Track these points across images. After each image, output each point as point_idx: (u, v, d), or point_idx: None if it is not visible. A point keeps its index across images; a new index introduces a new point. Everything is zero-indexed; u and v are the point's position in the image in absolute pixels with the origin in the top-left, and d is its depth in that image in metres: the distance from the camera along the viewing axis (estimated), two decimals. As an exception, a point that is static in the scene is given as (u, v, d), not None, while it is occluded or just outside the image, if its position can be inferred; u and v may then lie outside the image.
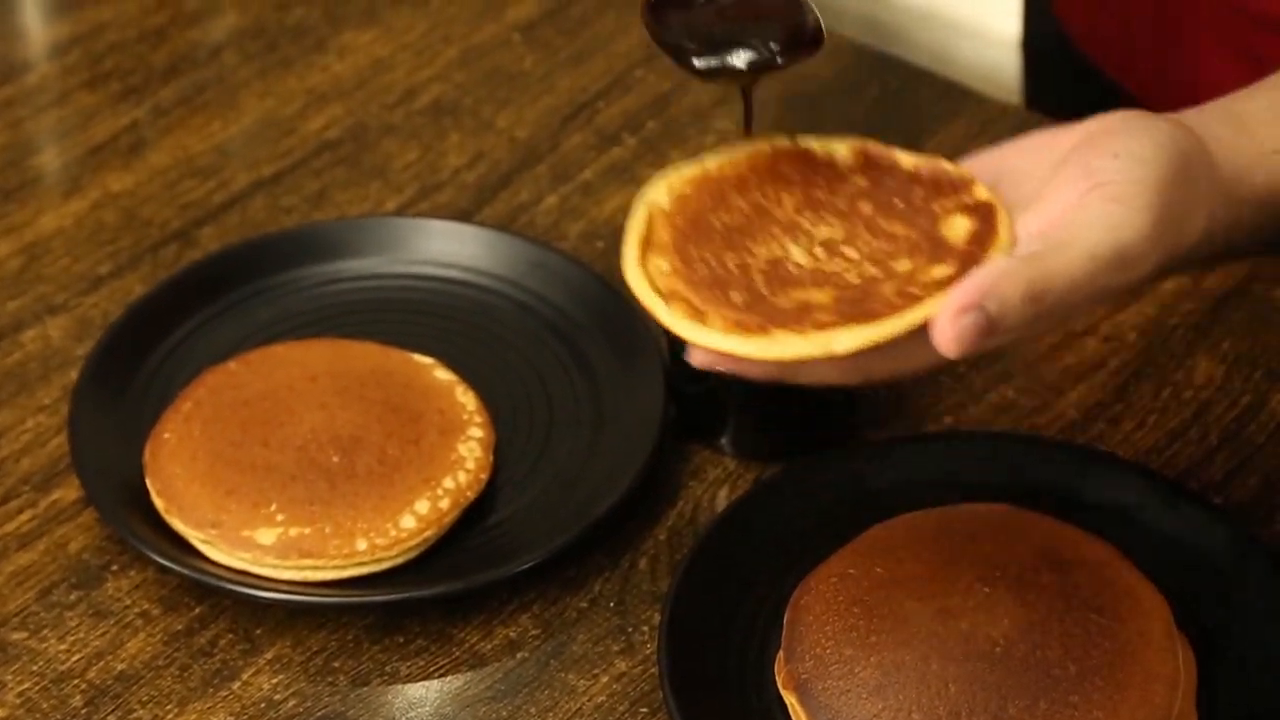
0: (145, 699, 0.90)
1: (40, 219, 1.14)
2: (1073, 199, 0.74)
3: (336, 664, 0.91)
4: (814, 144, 0.82)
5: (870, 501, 0.94)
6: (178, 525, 0.93)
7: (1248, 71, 0.89)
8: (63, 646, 0.92)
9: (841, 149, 0.82)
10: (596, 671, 0.91)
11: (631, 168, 1.17)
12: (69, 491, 0.98)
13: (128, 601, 0.94)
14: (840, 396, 1.00)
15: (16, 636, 0.92)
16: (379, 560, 0.92)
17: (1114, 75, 1.19)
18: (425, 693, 0.90)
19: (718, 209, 0.80)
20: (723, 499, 0.98)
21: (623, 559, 0.95)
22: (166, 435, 0.96)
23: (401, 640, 0.92)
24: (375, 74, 1.25)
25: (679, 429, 1.00)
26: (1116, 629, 0.85)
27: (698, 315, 0.75)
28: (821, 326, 0.73)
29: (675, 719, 0.85)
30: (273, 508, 0.93)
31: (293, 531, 0.92)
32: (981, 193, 0.78)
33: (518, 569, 0.92)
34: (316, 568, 0.92)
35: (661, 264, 0.78)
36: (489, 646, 0.92)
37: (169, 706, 0.90)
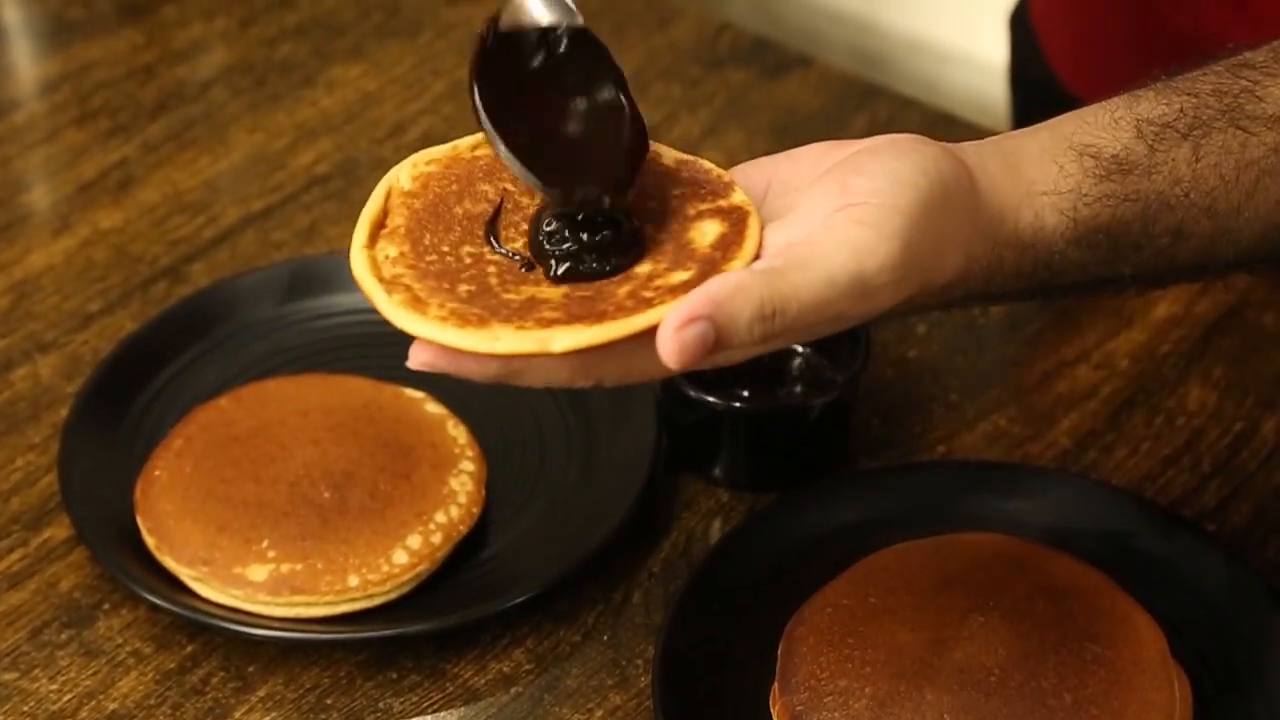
0: (138, 738, 0.90)
1: (30, 257, 1.14)
2: (821, 217, 0.71)
3: (329, 701, 0.91)
4: None
5: (863, 531, 0.94)
6: (169, 563, 0.93)
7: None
8: (54, 686, 0.91)
9: None
10: (591, 706, 0.90)
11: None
12: (60, 530, 0.98)
13: (119, 640, 0.93)
14: (833, 426, 1.00)
15: (8, 677, 0.92)
16: (371, 596, 0.92)
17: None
18: (419, 729, 0.90)
19: (462, 197, 0.76)
20: (716, 530, 0.98)
21: (616, 591, 0.95)
22: (157, 472, 0.96)
23: (395, 676, 0.92)
24: (364, 108, 1.25)
25: (671, 460, 1.00)
26: (1111, 657, 0.84)
27: (418, 305, 0.71)
28: (544, 324, 0.69)
29: (670, 752, 0.84)
30: (264, 544, 0.92)
31: (284, 568, 0.91)
32: (737, 197, 0.74)
33: (511, 603, 0.92)
34: (309, 604, 0.91)
35: (390, 250, 0.73)
36: (482, 681, 0.92)
37: (161, 745, 0.89)
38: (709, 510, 0.99)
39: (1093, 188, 0.77)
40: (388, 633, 0.91)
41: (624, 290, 0.71)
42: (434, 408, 1.00)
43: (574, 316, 0.69)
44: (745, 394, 0.99)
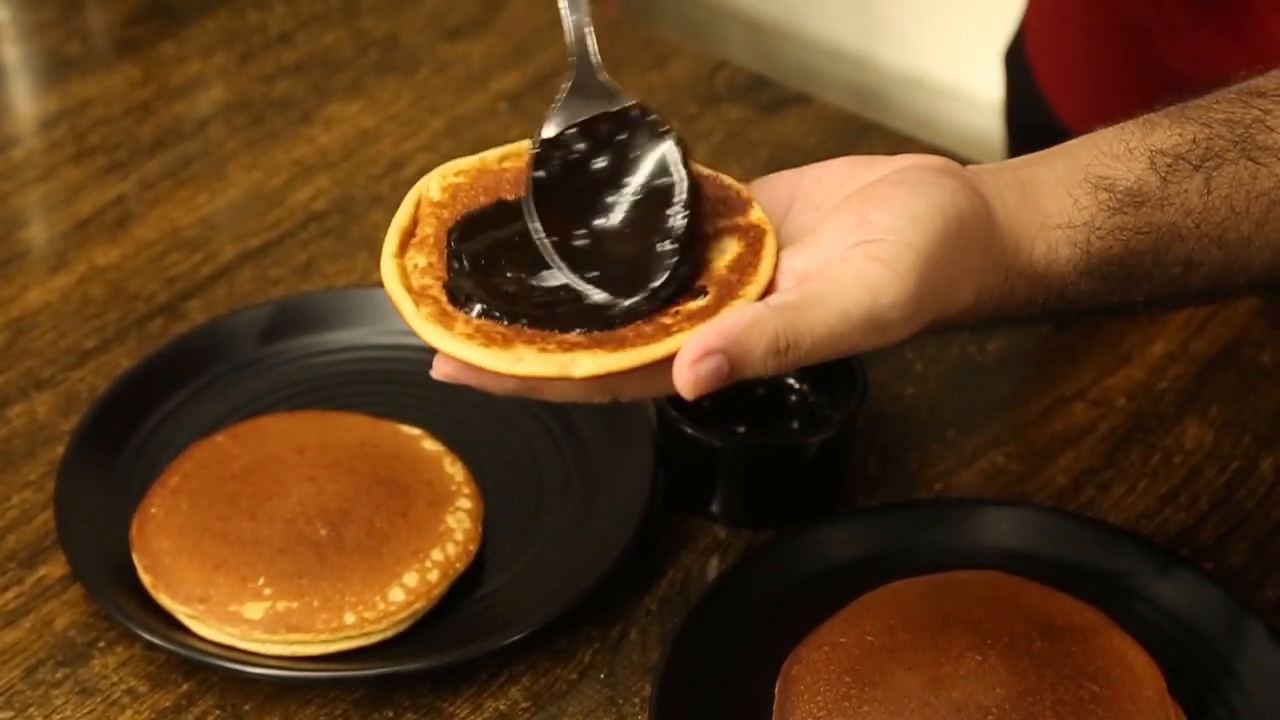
0: (132, 777, 0.89)
1: (26, 294, 1.14)
2: (839, 249, 0.72)
3: (325, 739, 0.91)
4: None
5: (861, 569, 0.94)
6: (165, 601, 0.93)
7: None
8: (49, 725, 0.91)
9: None
10: (587, 744, 0.90)
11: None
12: (55, 568, 0.98)
13: (115, 679, 0.93)
14: (831, 463, 1.00)
15: (2, 716, 0.91)
16: (367, 634, 0.92)
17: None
18: (415, 767, 0.90)
19: None
20: (713, 567, 0.98)
21: (613, 629, 0.95)
22: (153, 510, 0.96)
23: (390, 715, 0.91)
24: (361, 145, 1.26)
25: (669, 497, 1.00)
26: (1109, 696, 0.84)
27: (445, 320, 0.72)
28: (567, 347, 0.71)
29: (667, 792, 0.84)
30: (260, 582, 0.92)
31: (280, 606, 0.91)
32: (755, 215, 0.75)
33: (507, 640, 0.92)
34: (304, 642, 0.91)
35: (419, 259, 0.74)
36: (479, 720, 0.92)
37: (156, 784, 0.89)
38: (706, 547, 0.99)
39: (1106, 220, 0.78)
40: (384, 671, 0.91)
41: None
42: (431, 445, 1.00)
43: (595, 341, 0.71)
44: (743, 430, 0.99)
